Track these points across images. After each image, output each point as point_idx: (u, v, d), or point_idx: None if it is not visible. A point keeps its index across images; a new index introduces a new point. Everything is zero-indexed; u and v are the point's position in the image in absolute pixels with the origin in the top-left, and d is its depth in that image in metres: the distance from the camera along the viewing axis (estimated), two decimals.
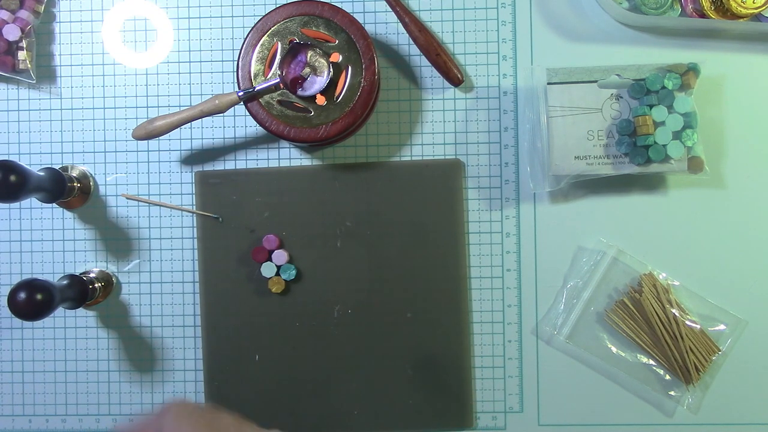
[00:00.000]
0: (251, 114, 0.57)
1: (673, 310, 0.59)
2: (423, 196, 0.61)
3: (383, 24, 0.62)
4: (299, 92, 0.56)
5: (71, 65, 0.63)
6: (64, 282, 0.58)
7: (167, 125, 0.57)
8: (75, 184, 0.61)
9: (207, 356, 0.62)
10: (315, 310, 0.62)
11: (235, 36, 0.63)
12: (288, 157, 0.63)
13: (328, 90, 0.56)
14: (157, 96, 0.63)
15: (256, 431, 0.29)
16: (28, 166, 0.55)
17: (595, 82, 0.58)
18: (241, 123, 0.62)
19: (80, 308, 0.62)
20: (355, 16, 0.57)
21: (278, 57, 0.56)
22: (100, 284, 0.61)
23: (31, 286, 0.53)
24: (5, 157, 0.62)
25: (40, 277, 0.60)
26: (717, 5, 0.59)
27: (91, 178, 0.63)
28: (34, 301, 0.53)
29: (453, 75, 0.60)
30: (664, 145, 0.57)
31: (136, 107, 0.63)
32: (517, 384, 0.62)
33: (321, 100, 0.56)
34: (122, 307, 0.63)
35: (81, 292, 0.59)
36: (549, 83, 0.58)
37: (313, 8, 0.56)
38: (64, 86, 0.63)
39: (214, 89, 0.63)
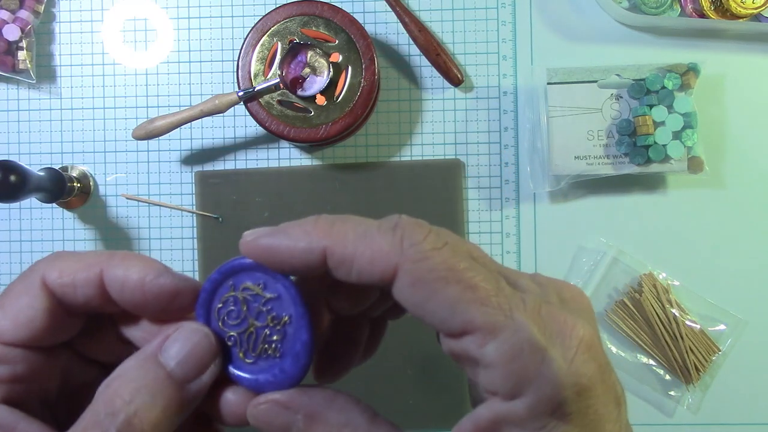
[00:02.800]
0: (251, 114, 0.57)
1: (673, 310, 0.59)
2: (423, 196, 0.61)
3: (383, 24, 0.62)
4: (299, 92, 0.56)
5: (71, 65, 0.63)
6: None
7: (167, 125, 0.57)
8: (75, 184, 0.61)
9: None
10: None
11: (235, 36, 0.63)
12: (288, 157, 0.63)
13: (328, 90, 0.56)
14: (157, 96, 0.63)
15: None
16: (28, 166, 0.55)
17: (595, 82, 0.58)
18: (241, 123, 0.62)
19: None
20: (355, 16, 0.57)
21: (278, 57, 0.56)
22: None
23: None
24: (5, 157, 0.62)
25: None
26: (717, 5, 0.59)
27: (91, 178, 0.63)
28: None
29: (453, 75, 0.60)
30: (664, 145, 0.57)
31: (136, 107, 0.63)
32: None
33: (321, 100, 0.56)
34: None
35: None
36: (549, 83, 0.58)
37: (313, 8, 0.56)
38: (64, 86, 0.63)
39: (214, 89, 0.63)
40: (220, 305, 0.24)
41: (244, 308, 0.24)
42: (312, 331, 0.23)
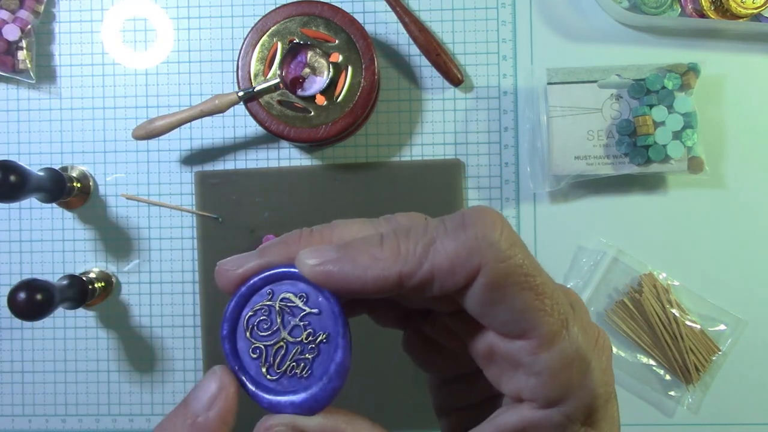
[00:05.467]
0: (251, 114, 0.57)
1: (673, 310, 0.59)
2: (423, 196, 0.61)
3: (383, 24, 0.62)
4: (299, 92, 0.56)
5: (71, 65, 0.63)
6: (64, 282, 0.58)
7: (167, 125, 0.57)
8: (75, 184, 0.61)
9: (207, 356, 0.62)
10: None
11: (235, 36, 0.63)
12: (288, 157, 0.63)
13: (328, 90, 0.56)
14: (157, 96, 0.63)
15: None
16: (28, 166, 0.55)
17: (595, 82, 0.58)
18: (241, 123, 0.62)
19: (80, 308, 0.62)
20: (355, 16, 0.57)
21: (278, 57, 0.56)
22: (100, 284, 0.61)
23: (31, 286, 0.53)
24: (5, 157, 0.62)
25: (40, 277, 0.60)
26: (717, 5, 0.59)
27: (91, 178, 0.63)
28: (34, 301, 0.53)
29: (453, 75, 0.60)
30: (664, 145, 0.57)
31: (136, 107, 0.63)
32: None
33: (321, 100, 0.56)
34: (122, 307, 0.63)
35: (81, 292, 0.59)
36: (549, 83, 0.58)
37: (313, 8, 0.56)
38: (64, 86, 0.63)
39: (214, 89, 0.63)
40: (251, 313, 0.22)
41: (279, 319, 0.22)
42: (350, 353, 0.22)
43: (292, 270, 0.22)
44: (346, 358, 0.21)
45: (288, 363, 0.22)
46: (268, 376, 0.22)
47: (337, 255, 0.21)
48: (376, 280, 0.20)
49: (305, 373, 0.22)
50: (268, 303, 0.22)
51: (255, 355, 0.22)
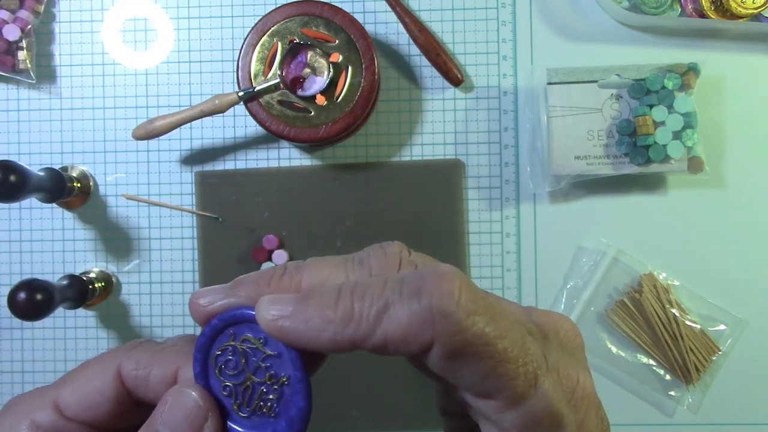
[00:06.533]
0: (251, 114, 0.57)
1: (673, 310, 0.59)
2: (423, 196, 0.61)
3: (383, 24, 0.62)
4: (299, 92, 0.56)
5: (71, 65, 0.63)
6: (64, 282, 0.58)
7: (167, 125, 0.57)
8: (75, 184, 0.61)
9: None
10: None
11: (235, 36, 0.63)
12: (288, 157, 0.63)
13: (328, 90, 0.56)
14: (157, 96, 0.63)
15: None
16: (28, 166, 0.55)
17: (595, 82, 0.58)
18: (241, 123, 0.62)
19: (80, 308, 0.62)
20: (355, 16, 0.57)
21: (278, 57, 0.56)
22: (100, 284, 0.61)
23: (31, 286, 0.53)
24: (5, 157, 0.62)
25: (40, 277, 0.60)
26: (717, 5, 0.59)
27: (91, 178, 0.63)
28: (34, 301, 0.53)
29: (453, 75, 0.60)
30: (664, 145, 0.57)
31: (136, 107, 0.63)
32: None
33: (321, 100, 0.56)
34: (122, 307, 0.63)
35: (81, 292, 0.59)
36: (549, 83, 0.58)
37: (313, 8, 0.56)
38: (64, 86, 0.63)
39: (214, 89, 0.63)
40: (218, 353, 0.23)
41: (243, 360, 0.23)
42: (309, 397, 0.22)
43: (248, 312, 0.22)
44: (307, 402, 0.22)
45: (256, 402, 0.23)
46: (241, 413, 0.23)
47: (293, 310, 0.21)
48: (329, 342, 0.20)
49: (272, 414, 0.22)
50: (231, 344, 0.23)
51: (226, 393, 0.23)
